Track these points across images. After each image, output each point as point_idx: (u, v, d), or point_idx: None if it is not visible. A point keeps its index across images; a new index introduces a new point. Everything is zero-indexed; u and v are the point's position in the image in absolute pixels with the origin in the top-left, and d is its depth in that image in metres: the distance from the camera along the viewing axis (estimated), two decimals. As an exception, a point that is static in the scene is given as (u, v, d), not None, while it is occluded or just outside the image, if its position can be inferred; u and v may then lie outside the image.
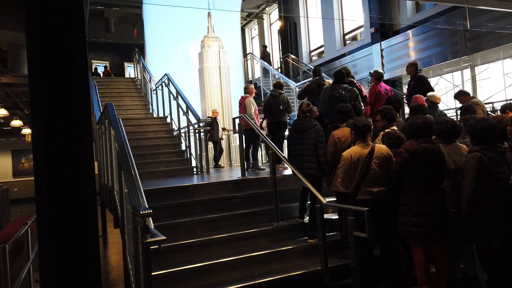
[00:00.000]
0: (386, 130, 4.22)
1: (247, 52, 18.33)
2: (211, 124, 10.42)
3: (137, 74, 13.84)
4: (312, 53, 17.00)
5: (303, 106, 4.62)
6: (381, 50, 12.22)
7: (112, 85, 13.03)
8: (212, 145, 10.67)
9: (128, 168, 3.40)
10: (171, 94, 8.95)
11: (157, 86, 10.35)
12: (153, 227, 2.65)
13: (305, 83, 10.48)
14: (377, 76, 6.61)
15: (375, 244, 3.97)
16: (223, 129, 10.44)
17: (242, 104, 7.58)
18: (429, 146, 3.53)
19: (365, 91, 6.72)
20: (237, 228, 4.58)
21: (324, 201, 3.81)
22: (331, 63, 14.99)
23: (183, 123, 8.26)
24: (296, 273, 3.98)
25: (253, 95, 7.84)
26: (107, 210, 7.79)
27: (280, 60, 17.78)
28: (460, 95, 6.13)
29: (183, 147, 8.28)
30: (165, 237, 2.43)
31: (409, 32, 11.66)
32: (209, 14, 12.15)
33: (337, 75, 5.77)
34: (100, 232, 8.64)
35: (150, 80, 11.54)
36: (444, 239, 3.62)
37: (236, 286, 3.73)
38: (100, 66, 19.14)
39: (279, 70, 17.09)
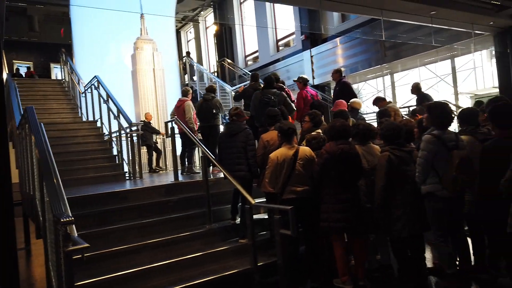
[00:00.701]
0: (313, 134, 4.49)
1: (183, 55, 18.15)
2: (145, 128, 10.22)
3: (65, 76, 13.10)
4: (248, 58, 17.33)
5: (231, 110, 4.77)
6: (311, 56, 12.83)
7: (37, 87, 12.19)
8: (146, 150, 10.47)
9: (49, 174, 3.27)
10: (101, 97, 8.64)
11: (86, 88, 9.91)
12: (76, 235, 2.60)
13: (240, 87, 10.67)
14: (303, 82, 6.96)
15: (301, 241, 4.20)
16: (158, 132, 10.26)
17: (181, 108, 7.55)
18: (347, 148, 3.84)
19: (293, 96, 7.03)
20: (170, 232, 4.58)
21: (253, 202, 3.97)
22: (265, 68, 15.40)
23: (115, 127, 8.02)
24: (227, 273, 4.08)
25: (190, 97, 7.84)
26: (31, 221, 7.32)
27: (216, 64, 17.88)
28: (378, 101, 6.68)
29: (115, 152, 8.03)
30: (88, 245, 2.40)
31: (337, 40, 12.38)
32: (141, 15, 11.92)
33: (266, 80, 6.01)
34: (23, 244, 8.08)
35: (79, 83, 11.00)
36: (362, 233, 3.95)
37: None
38: (22, 67, 17.81)
39: (216, 74, 17.18)
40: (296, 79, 7.35)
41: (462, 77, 11.02)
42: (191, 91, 7.72)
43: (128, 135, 7.27)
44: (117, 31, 12.75)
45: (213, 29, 18.59)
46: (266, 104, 5.67)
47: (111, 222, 4.50)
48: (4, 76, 9.82)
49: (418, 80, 11.76)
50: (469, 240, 3.93)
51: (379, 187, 3.72)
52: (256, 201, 5.00)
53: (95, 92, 9.06)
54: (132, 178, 7.13)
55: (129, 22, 12.33)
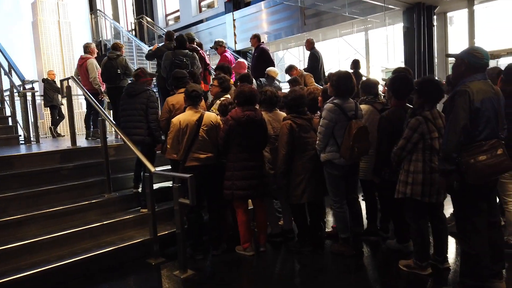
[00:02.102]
0: (228, 99, 4.30)
1: (98, 10, 16.54)
2: (47, 88, 9.26)
3: None
4: (168, 17, 16.35)
5: (134, 71, 4.39)
6: (234, 20, 12.43)
7: None
8: (50, 111, 9.54)
9: None
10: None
11: (-28, 38, 8.54)
12: None
13: (154, 45, 10.02)
14: (222, 45, 6.70)
15: (205, 209, 4.09)
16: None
17: (83, 66, 6.84)
18: (252, 114, 3.73)
19: (208, 59, 6.73)
20: (63, 202, 4.18)
21: (153, 169, 3.73)
22: (188, 29, 14.65)
23: (7, 84, 7.05)
24: (125, 244, 3.85)
25: (95, 55, 7.12)
26: None
27: (134, 21, 16.59)
28: (290, 69, 6.70)
29: (8, 113, 7.11)
30: None
31: (261, 4, 12.06)
32: (43, -43, 10.52)
33: (178, 40, 5.63)
34: None
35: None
36: (265, 198, 3.95)
37: (54, 265, 3.42)
38: None
39: (133, 32, 15.98)
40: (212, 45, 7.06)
41: (377, 50, 11.54)
42: (93, 46, 6.99)
43: (21, 94, 6.44)
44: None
45: (131, -18, 17.10)
46: (177, 65, 5.34)
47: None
48: None
49: (336, 52, 12.11)
50: (363, 204, 4.14)
51: (281, 155, 3.71)
52: (161, 168, 4.79)
53: (-17, 43, 7.84)
54: (26, 142, 6.40)
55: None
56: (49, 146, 5.85)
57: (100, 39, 14.72)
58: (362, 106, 3.85)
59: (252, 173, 3.76)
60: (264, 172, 3.92)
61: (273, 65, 7.50)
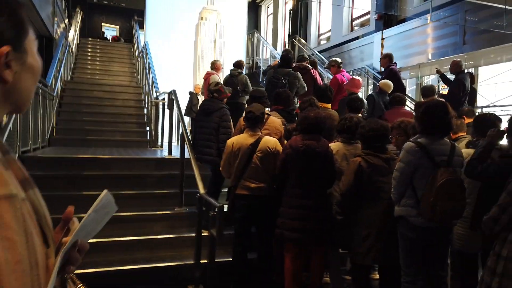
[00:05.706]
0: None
1: (255, 30, 17.70)
2: (191, 100, 10.16)
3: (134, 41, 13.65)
4: (321, 37, 16.24)
5: (211, 86, 4.26)
6: (382, 39, 11.41)
7: (106, 49, 12.89)
8: (190, 121, 10.42)
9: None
10: (146, 64, 8.73)
11: (139, 54, 10.14)
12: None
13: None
14: (336, 65, 6.11)
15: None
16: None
17: (207, 81, 7.25)
18: (313, 144, 3.11)
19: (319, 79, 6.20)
20: (135, 208, 4.31)
21: (202, 191, 3.48)
22: (338, 47, 14.25)
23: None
24: (171, 264, 3.72)
25: (220, 72, 7.48)
26: None
27: (287, 41, 17.11)
28: (428, 91, 5.59)
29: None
30: None
31: (416, 21, 10.74)
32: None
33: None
34: None
35: (141, 49, 11.34)
36: (321, 247, 3.24)
37: (105, 269, 3.51)
38: (109, 30, 19.08)
39: (286, 51, 16.44)
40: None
41: None
42: (219, 63, 7.31)
43: (158, 103, 7.16)
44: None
45: (291, 4, 17.73)
46: (275, 84, 5.04)
47: (80, 189, 4.35)
48: (71, 36, 10.42)
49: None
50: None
51: (342, 194, 2.98)
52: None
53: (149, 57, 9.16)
54: (150, 146, 7.08)
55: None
56: (163, 152, 6.23)
57: (253, 57, 15.64)
58: (468, 151, 2.78)
59: (308, 214, 3.12)
60: (327, 216, 3.22)
61: (402, 89, 6.48)
